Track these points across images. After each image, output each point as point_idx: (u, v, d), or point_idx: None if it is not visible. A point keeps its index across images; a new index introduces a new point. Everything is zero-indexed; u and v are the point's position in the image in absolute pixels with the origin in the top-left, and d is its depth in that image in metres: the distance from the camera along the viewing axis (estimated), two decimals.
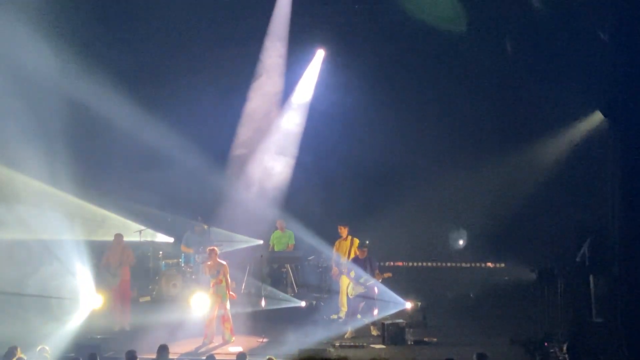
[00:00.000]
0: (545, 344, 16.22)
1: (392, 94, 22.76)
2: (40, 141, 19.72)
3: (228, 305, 17.71)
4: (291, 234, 21.65)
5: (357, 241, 19.66)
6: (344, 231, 19.97)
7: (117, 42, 21.68)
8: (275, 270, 21.23)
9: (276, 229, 21.77)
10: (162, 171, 21.90)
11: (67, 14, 20.75)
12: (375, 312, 18.46)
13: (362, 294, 18.45)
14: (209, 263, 17.74)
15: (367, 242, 19.29)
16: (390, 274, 18.96)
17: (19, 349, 13.76)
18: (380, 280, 18.49)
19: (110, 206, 21.40)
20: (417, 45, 22.50)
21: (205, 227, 21.42)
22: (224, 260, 18.07)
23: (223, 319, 17.65)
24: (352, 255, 19.26)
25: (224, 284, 17.65)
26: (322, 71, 23.24)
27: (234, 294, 18.09)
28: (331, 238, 20.53)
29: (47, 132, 19.85)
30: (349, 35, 22.67)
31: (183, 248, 21.36)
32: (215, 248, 18.07)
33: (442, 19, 21.83)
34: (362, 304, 18.53)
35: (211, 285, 17.69)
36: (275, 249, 21.52)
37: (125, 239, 19.91)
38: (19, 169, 19.87)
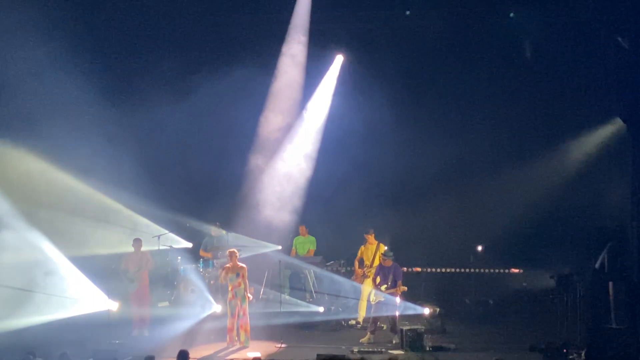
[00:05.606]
0: (564, 350, 16.13)
1: (412, 101, 22.77)
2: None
3: (247, 309, 17.73)
4: (313, 240, 21.68)
5: (382, 247, 19.63)
6: (370, 236, 19.93)
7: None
8: (293, 275, 21.26)
9: (298, 233, 21.81)
10: (181, 175, 22.03)
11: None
12: (397, 316, 18.41)
13: (383, 302, 18.41)
14: (227, 266, 17.75)
15: (392, 253, 19.18)
16: (405, 288, 18.77)
17: None
18: (399, 294, 18.40)
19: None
20: (436, 53, 22.55)
21: (224, 232, 21.43)
22: (243, 263, 18.09)
23: (241, 322, 17.66)
24: (377, 261, 19.21)
25: (242, 286, 17.67)
26: (340, 76, 23.22)
27: (250, 295, 18.10)
28: (352, 243, 20.55)
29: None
30: (368, 41, 22.69)
31: (202, 253, 21.40)
32: (235, 250, 18.09)
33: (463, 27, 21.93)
34: (383, 311, 18.49)
35: (230, 289, 17.73)
36: (298, 253, 21.54)
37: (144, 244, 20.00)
38: None
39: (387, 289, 18.37)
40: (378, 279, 18.56)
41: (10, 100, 20.20)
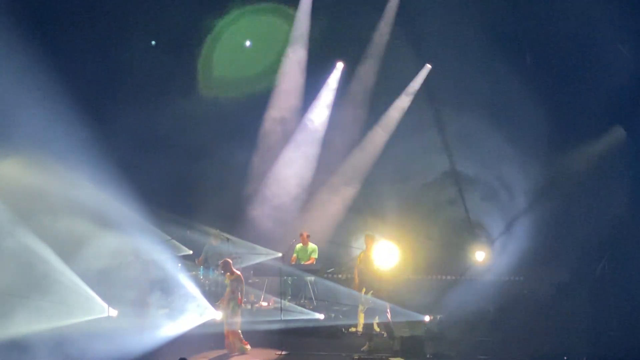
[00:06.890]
0: (565, 357, 16.16)
1: (412, 105, 22.84)
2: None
3: (239, 316, 17.67)
4: (315, 248, 21.48)
5: None
6: (370, 242, 19.77)
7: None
8: (294, 282, 21.23)
9: (299, 240, 21.70)
10: (182, 178, 22.07)
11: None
12: (390, 321, 18.39)
13: (372, 307, 18.39)
14: (228, 274, 17.80)
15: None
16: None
17: None
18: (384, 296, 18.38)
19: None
20: (436, 57, 22.64)
21: (226, 239, 21.39)
22: (240, 271, 18.08)
23: (232, 330, 17.59)
24: None
25: (236, 294, 17.63)
26: (340, 82, 23.28)
27: (241, 298, 18.01)
28: (352, 250, 20.53)
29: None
30: (369, 48, 22.76)
31: (199, 260, 21.39)
32: (229, 260, 18.07)
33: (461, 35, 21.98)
34: (376, 317, 18.48)
35: (225, 295, 17.75)
36: (300, 260, 21.46)
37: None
38: None
39: (373, 294, 18.37)
40: (364, 290, 18.56)
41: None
